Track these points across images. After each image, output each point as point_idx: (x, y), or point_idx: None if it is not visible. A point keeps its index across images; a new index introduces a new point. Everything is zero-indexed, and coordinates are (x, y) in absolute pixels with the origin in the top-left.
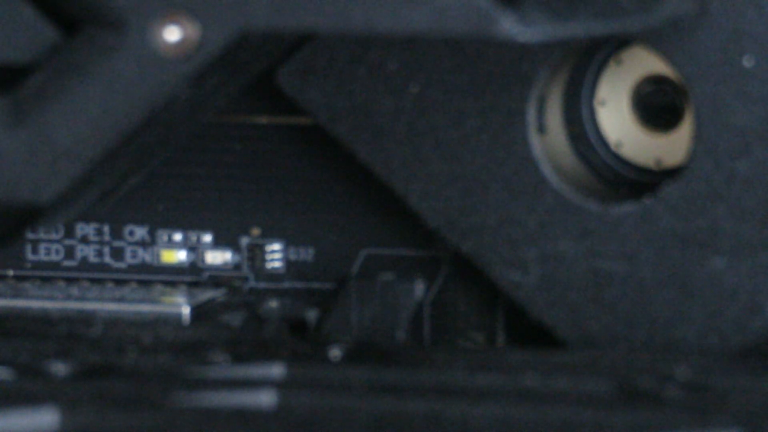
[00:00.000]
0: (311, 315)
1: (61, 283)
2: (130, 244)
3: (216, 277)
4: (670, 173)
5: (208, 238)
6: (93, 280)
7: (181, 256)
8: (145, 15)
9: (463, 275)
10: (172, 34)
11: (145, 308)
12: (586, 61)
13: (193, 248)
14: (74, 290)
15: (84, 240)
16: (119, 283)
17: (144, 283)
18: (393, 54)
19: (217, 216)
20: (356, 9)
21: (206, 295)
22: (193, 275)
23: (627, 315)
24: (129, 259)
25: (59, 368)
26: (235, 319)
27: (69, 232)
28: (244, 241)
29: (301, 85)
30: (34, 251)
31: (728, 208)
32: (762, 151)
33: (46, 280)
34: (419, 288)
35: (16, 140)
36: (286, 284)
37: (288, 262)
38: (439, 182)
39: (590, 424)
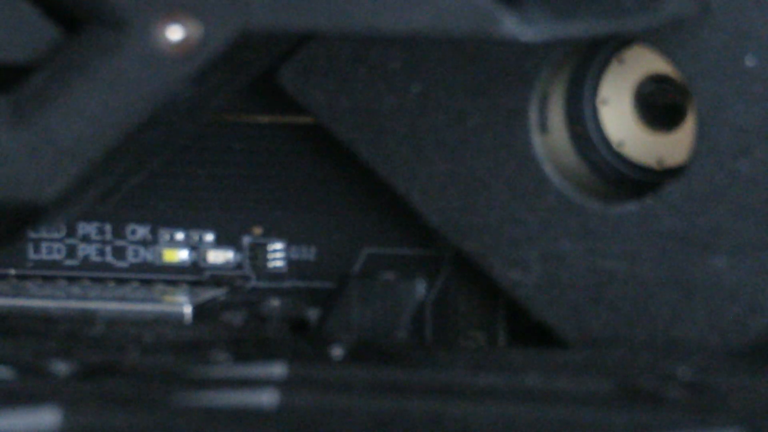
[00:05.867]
0: (313, 314)
1: (63, 282)
2: (131, 243)
3: (218, 277)
4: (672, 172)
5: (209, 237)
6: (94, 279)
7: (182, 255)
8: (146, 14)
9: (465, 274)
10: (173, 33)
11: (147, 307)
12: (588, 61)
13: (195, 247)
14: (76, 289)
15: (86, 239)
16: (121, 282)
17: (145, 283)
18: (394, 53)
19: (219, 215)
20: (358, 9)
21: (208, 294)
22: (194, 274)
23: (628, 314)
24: (131, 258)
25: (60, 367)
26: (236, 319)
27: (70, 232)
28: (246, 240)
29: (303, 84)
30: (36, 250)
31: (730, 207)
32: (764, 151)
33: (47, 279)
34: (421, 287)
35: (18, 139)
36: (288, 283)
37: (290, 262)
38: (440, 181)
39: (591, 424)
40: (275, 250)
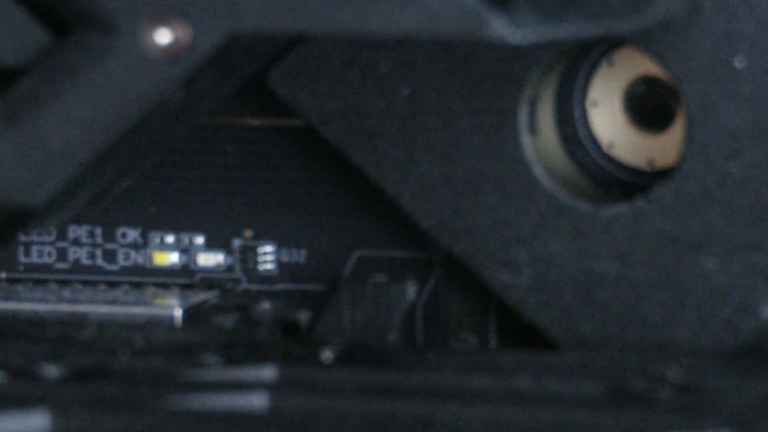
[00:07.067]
0: (303, 317)
1: (54, 286)
2: (122, 246)
3: (208, 279)
4: (662, 174)
5: (200, 240)
6: (85, 283)
7: (173, 258)
8: (136, 18)
9: (456, 277)
10: (162, 36)
11: (138, 310)
12: (577, 62)
13: (186, 250)
14: (66, 292)
15: (76, 242)
16: (111, 285)
17: (136, 286)
18: (385, 56)
19: (210, 218)
20: (347, 11)
21: (198, 297)
22: (185, 277)
23: (619, 316)
24: (121, 261)
25: (51, 371)
26: (227, 321)
27: (61, 235)
28: (237, 242)
29: (293, 86)
30: (27, 253)
31: (720, 208)
32: (753, 152)
33: (38, 282)
34: (411, 290)
35: (8, 143)
36: (279, 286)
37: (280, 264)
38: (431, 184)
39: (582, 426)
40: (266, 253)
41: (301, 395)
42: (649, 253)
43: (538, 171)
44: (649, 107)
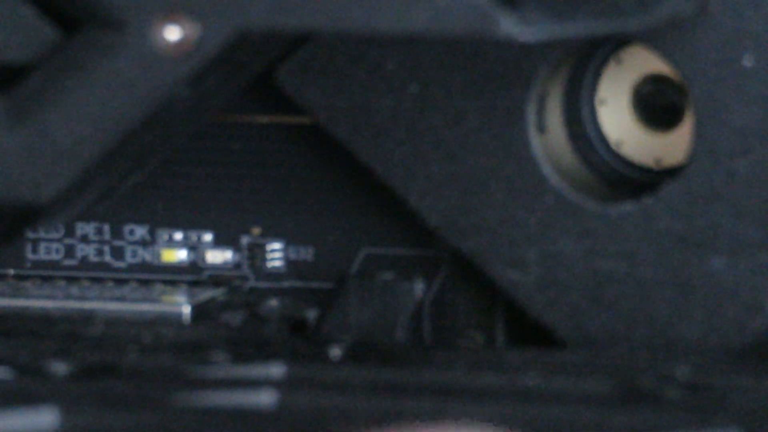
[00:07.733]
0: (311, 314)
1: (62, 283)
2: (130, 243)
3: (216, 277)
4: (670, 173)
5: (208, 237)
6: (93, 280)
7: (181, 255)
8: (144, 14)
9: (463, 275)
10: (171, 33)
11: (146, 308)
12: (586, 61)
13: (194, 247)
14: (74, 289)
15: (84, 239)
16: (119, 282)
17: (144, 283)
18: (392, 53)
19: (218, 215)
20: (356, 9)
21: (206, 294)
22: (193, 274)
23: (627, 315)
24: (129, 258)
25: (59, 368)
26: (235, 319)
27: (69, 232)
28: (245, 240)
29: (301, 84)
30: (35, 250)
31: (728, 207)
32: (761, 151)
33: (46, 279)
34: (419, 287)
35: (16, 140)
36: (286, 284)
37: (288, 262)
38: (438, 182)
39: (590, 424)
40: (274, 250)
41: (309, 392)
42: (656, 252)
43: (546, 169)
44: (657, 105)
